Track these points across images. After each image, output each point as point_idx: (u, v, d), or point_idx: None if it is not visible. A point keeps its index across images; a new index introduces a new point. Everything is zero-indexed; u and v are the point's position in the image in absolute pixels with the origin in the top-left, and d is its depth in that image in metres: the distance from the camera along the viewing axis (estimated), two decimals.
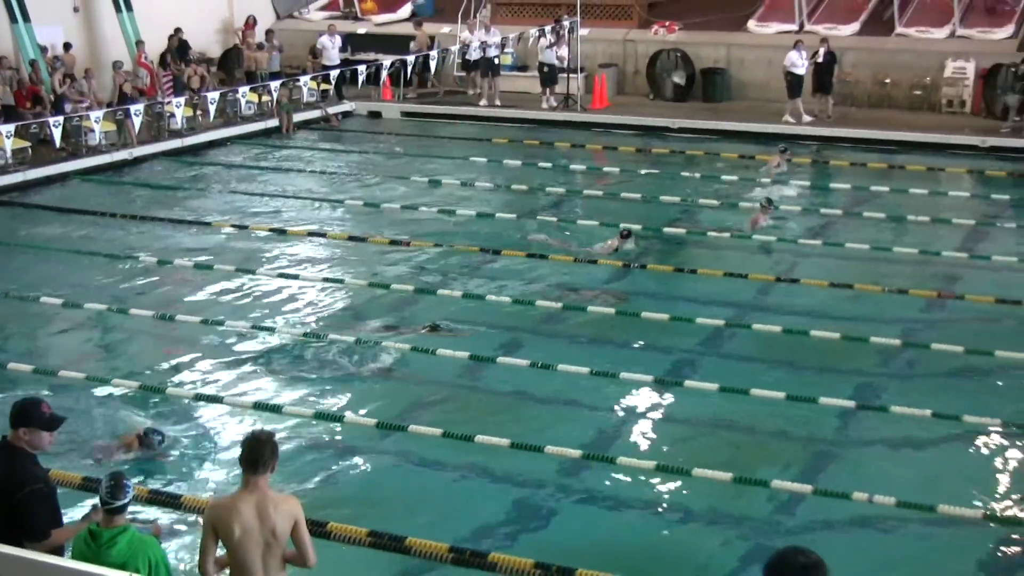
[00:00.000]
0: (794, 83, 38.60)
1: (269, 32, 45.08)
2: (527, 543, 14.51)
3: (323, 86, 41.69)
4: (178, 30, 40.99)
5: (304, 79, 40.95)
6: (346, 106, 42.46)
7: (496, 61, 42.55)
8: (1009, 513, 15.42)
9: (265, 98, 40.27)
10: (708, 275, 24.51)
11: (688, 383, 19.15)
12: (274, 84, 40.38)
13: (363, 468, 16.62)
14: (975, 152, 36.36)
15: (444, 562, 13.61)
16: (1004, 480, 16.49)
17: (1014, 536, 14.87)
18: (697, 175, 33.87)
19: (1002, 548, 14.77)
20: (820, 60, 39.12)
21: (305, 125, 40.79)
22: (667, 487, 16.05)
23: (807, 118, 38.46)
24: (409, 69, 41.87)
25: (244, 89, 39.42)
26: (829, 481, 16.02)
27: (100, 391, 18.72)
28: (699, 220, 28.96)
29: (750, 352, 20.84)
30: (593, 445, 17.05)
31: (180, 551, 13.21)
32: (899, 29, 41.48)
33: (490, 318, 22.27)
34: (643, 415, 18.36)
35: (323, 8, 48.16)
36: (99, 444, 16.54)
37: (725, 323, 21.84)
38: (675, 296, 23.79)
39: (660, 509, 15.63)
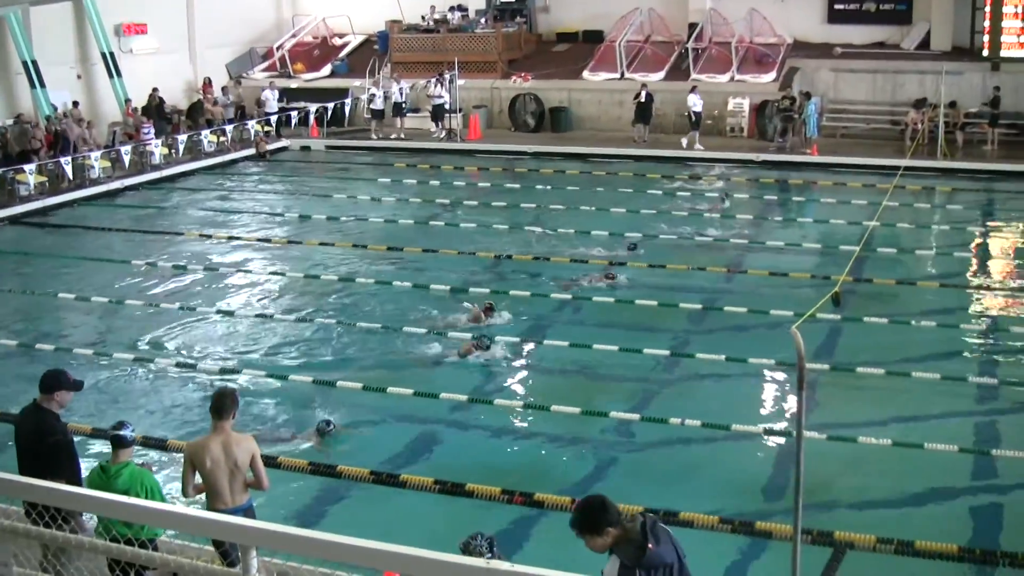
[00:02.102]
0: (694, 119, 38.51)
1: (224, 88, 45.02)
2: (429, 465, 14.58)
3: (266, 128, 41.42)
4: (155, 89, 40.64)
5: (251, 123, 40.93)
6: (283, 143, 42.13)
7: (403, 105, 42.60)
8: (780, 427, 15.74)
9: (222, 138, 39.96)
10: (558, 261, 24.68)
11: (546, 341, 19.27)
12: (229, 128, 40.39)
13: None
14: (751, 164, 36.85)
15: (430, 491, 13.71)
16: (777, 404, 16.81)
17: (783, 442, 15.18)
18: (549, 187, 33.95)
19: (774, 453, 15.10)
20: (643, 99, 39.44)
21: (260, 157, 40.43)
22: (532, 420, 16.18)
23: (699, 147, 38.40)
24: (329, 113, 41.88)
25: (206, 132, 39.37)
26: (653, 410, 16.22)
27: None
28: (554, 221, 28.99)
29: (592, 318, 20.96)
30: (476, 392, 17.16)
31: (167, 480, 13.12)
32: (694, 75, 41.77)
33: (399, 300, 22.27)
34: (511, 367, 18.39)
35: (264, 69, 47.79)
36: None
37: (572, 296, 21.99)
38: (536, 274, 23.90)
39: (528, 437, 15.73)
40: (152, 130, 37.90)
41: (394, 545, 6.99)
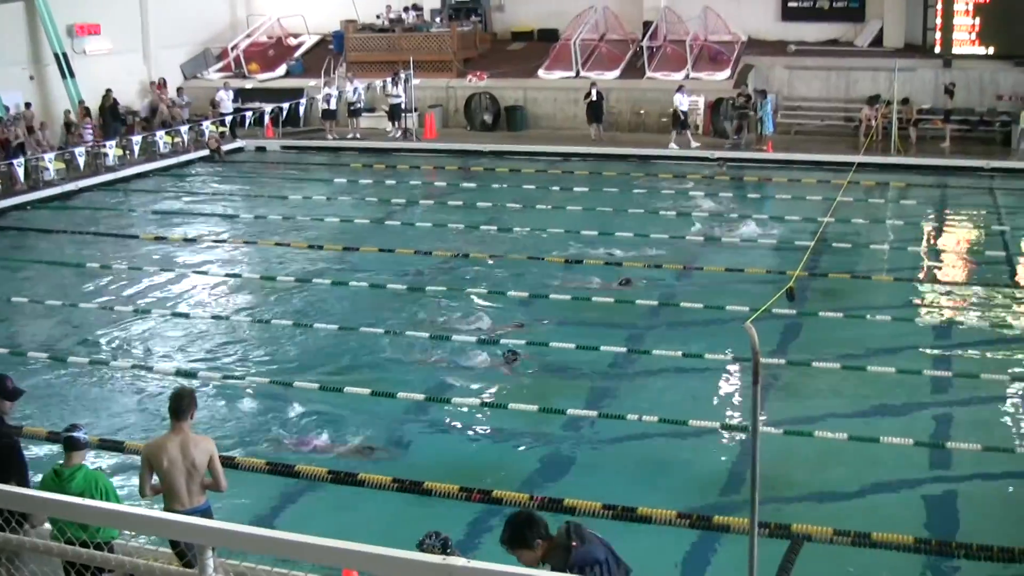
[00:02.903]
0: (678, 117, 38.18)
1: (179, 89, 44.78)
2: (389, 464, 14.56)
3: (220, 129, 41.17)
4: (109, 91, 40.40)
5: (205, 123, 40.66)
6: (239, 143, 41.91)
7: (359, 105, 42.47)
8: (737, 422, 15.81)
9: (177, 139, 39.74)
10: (515, 259, 24.70)
11: (503, 340, 19.27)
12: (184, 128, 40.15)
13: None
14: (706, 161, 36.94)
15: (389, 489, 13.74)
16: (734, 400, 16.88)
17: (740, 437, 15.26)
18: (505, 186, 33.98)
19: (731, 448, 15.16)
20: (593, 98, 39.50)
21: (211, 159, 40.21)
22: (490, 418, 16.19)
23: (673, 147, 38.28)
24: (285, 113, 41.69)
25: (160, 133, 39.15)
26: (610, 407, 16.28)
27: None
28: (511, 220, 29.02)
29: (549, 315, 20.96)
30: (434, 390, 17.15)
31: (124, 482, 13.06)
32: (649, 73, 41.93)
33: (355, 300, 22.25)
34: (469, 365, 18.31)
35: (220, 70, 47.59)
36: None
37: (529, 294, 22.01)
38: (491, 271, 23.91)
39: (486, 435, 15.73)
40: (92, 130, 37.68)
41: (349, 543, 6.98)
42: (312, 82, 44.55)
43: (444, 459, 14.84)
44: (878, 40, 42.92)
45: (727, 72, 41.32)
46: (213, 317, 21.22)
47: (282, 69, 47.58)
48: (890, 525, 12.40)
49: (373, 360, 18.72)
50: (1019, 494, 14.02)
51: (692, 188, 33.14)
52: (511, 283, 22.95)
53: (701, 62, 42.35)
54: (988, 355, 18.68)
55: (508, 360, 18.19)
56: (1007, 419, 16.07)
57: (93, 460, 13.11)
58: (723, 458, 14.88)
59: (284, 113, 41.68)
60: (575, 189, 33.18)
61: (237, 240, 27.55)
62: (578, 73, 42.81)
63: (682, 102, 38.07)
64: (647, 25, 43.80)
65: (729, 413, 16.36)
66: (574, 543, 8.04)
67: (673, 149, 38.03)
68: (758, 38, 44.06)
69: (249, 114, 41.58)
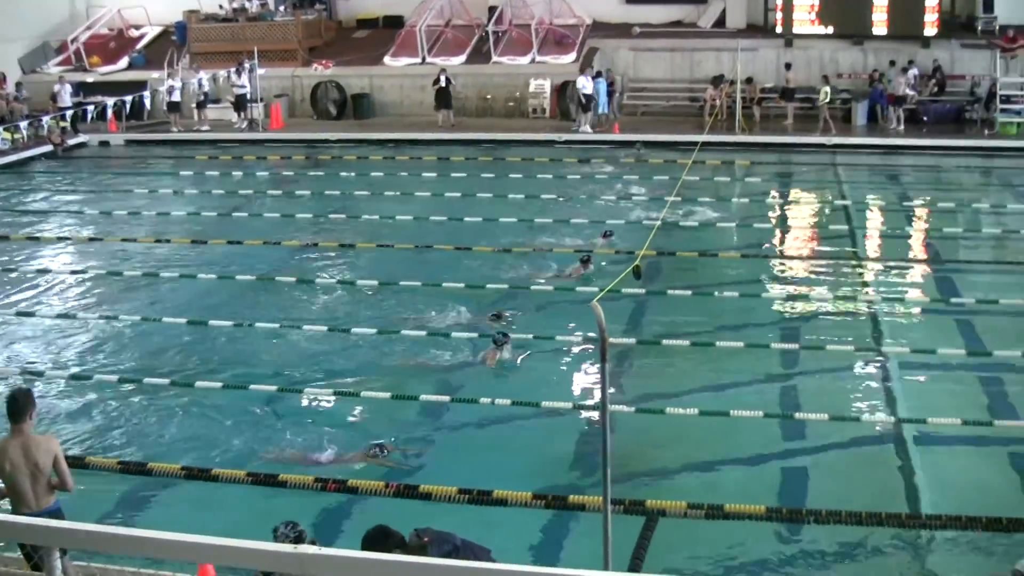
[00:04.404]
0: (585, 101, 38.09)
1: (19, 84, 43.51)
2: (242, 456, 14.41)
3: (61, 124, 40.18)
4: None
5: (45, 118, 39.55)
6: (81, 138, 40.96)
7: (204, 96, 41.78)
8: (589, 402, 15.99)
9: (16, 135, 38.74)
10: (364, 247, 24.56)
11: (355, 329, 19.14)
12: (23, 124, 39.18)
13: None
14: (554, 145, 37.12)
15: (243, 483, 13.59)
16: (585, 380, 16.99)
17: (592, 417, 15.38)
18: (353, 174, 33.78)
19: (584, 428, 15.27)
20: (442, 84, 39.44)
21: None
22: (343, 407, 16.08)
23: (587, 129, 38.19)
24: (128, 107, 40.86)
25: None
26: (463, 392, 16.29)
27: None
28: (359, 207, 28.84)
29: (399, 302, 20.86)
30: (285, 381, 16.97)
31: None
32: (495, 58, 42.07)
33: (205, 293, 21.95)
34: (319, 359, 18.15)
35: (60, 63, 46.45)
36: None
37: (378, 283, 21.88)
38: (340, 259, 23.78)
39: (339, 423, 15.58)
40: None
41: (201, 536, 6.87)
42: (155, 74, 43.77)
43: (297, 449, 14.67)
44: (721, 21, 43.61)
45: (573, 55, 41.58)
46: (59, 316, 20.70)
47: (124, 61, 46.60)
48: (743, 496, 12.64)
49: (226, 353, 18.50)
50: (865, 460, 14.36)
51: (540, 171, 33.26)
52: (361, 271, 22.83)
53: (547, 46, 42.59)
54: (833, 327, 19.09)
55: (498, 344, 17.52)
56: (853, 389, 16.46)
57: None
58: (577, 438, 14.97)
59: (127, 106, 40.91)
60: (424, 175, 33.15)
61: (82, 237, 26.96)
62: (424, 59, 42.74)
63: (585, 85, 38.01)
64: (492, 10, 43.92)
65: (581, 393, 16.50)
66: (426, 539, 8.59)
67: (586, 132, 38.10)
68: (603, 21, 44.37)
69: (91, 108, 40.56)
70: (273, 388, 16.56)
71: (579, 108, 38.36)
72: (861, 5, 39.72)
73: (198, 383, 16.78)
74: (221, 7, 46.88)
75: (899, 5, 39.31)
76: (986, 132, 36.46)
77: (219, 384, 16.69)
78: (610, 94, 39.24)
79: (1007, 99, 36.71)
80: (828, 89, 37.25)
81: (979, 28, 40.34)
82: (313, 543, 9.48)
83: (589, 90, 38.03)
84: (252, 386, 16.54)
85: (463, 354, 17.96)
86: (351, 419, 15.71)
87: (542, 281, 21.61)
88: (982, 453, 14.60)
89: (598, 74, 38.89)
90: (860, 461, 14.35)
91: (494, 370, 17.17)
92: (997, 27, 39.84)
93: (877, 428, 15.07)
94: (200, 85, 41.61)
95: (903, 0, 39.27)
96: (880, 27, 39.74)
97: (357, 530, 12.00)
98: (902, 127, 37.12)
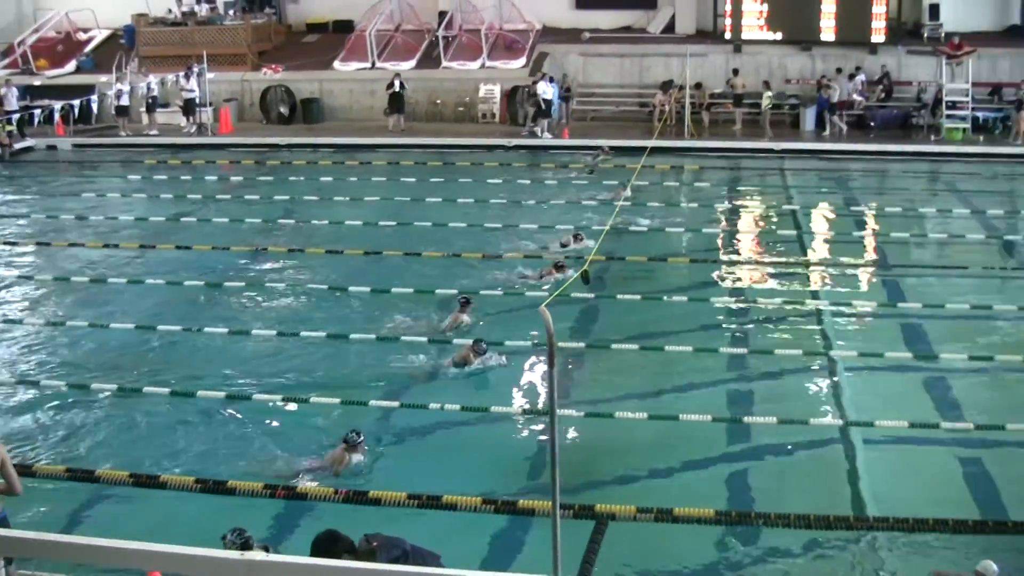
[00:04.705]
0: (546, 107, 38.01)
1: None
2: (190, 464, 14.30)
3: (8, 127, 39.78)
4: None
5: None
6: (28, 142, 40.59)
7: (152, 101, 41.39)
8: (538, 407, 15.95)
9: None
10: (313, 252, 24.49)
11: (303, 332, 19.08)
12: None
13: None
14: (503, 150, 37.15)
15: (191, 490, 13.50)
16: (534, 384, 16.97)
17: (541, 421, 15.37)
18: (302, 179, 33.69)
19: (534, 432, 15.28)
20: (396, 89, 39.42)
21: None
22: (293, 413, 15.99)
23: (547, 136, 38.11)
24: (76, 111, 40.51)
25: None
26: (412, 397, 16.23)
27: None
28: (308, 212, 28.78)
29: (350, 310, 20.81)
30: (231, 387, 16.88)
31: None
32: (445, 63, 42.08)
33: (153, 297, 21.78)
34: (269, 365, 18.07)
35: (6, 66, 46.04)
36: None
37: (328, 287, 21.81)
38: (289, 264, 23.63)
39: (290, 430, 15.50)
40: None
41: (149, 544, 6.85)
42: (104, 78, 43.41)
43: (247, 457, 14.60)
44: (670, 27, 43.81)
45: (523, 60, 41.63)
46: (5, 321, 20.51)
47: (72, 65, 46.26)
48: (692, 500, 12.68)
49: (174, 358, 18.40)
50: (814, 463, 14.46)
51: (491, 176, 33.26)
52: (311, 276, 22.78)
53: (497, 51, 42.63)
54: (782, 331, 19.22)
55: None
56: (801, 392, 16.59)
57: None
58: (526, 443, 15.01)
59: (75, 110, 40.51)
60: (373, 180, 33.12)
61: (29, 242, 26.71)
62: (374, 64, 42.70)
63: (546, 91, 37.99)
64: (442, 15, 43.93)
65: (531, 398, 16.49)
66: (375, 544, 8.82)
67: (547, 138, 38.03)
68: (553, 26, 44.48)
69: (38, 112, 40.05)
70: (221, 394, 16.46)
71: (537, 113, 38.30)
72: (809, 12, 40.02)
73: (146, 389, 16.66)
74: (170, 11, 46.61)
75: (847, 12, 39.63)
76: (932, 137, 36.85)
77: (167, 390, 16.58)
78: (566, 99, 39.32)
79: (953, 105, 37.06)
80: (770, 95, 37.62)
81: (925, 35, 40.78)
82: (266, 549, 9.46)
83: (551, 95, 38.09)
84: (201, 392, 16.45)
85: (413, 359, 17.93)
86: (300, 424, 15.65)
87: (497, 287, 21.64)
88: (929, 455, 14.75)
89: (551, 79, 38.94)
90: (809, 464, 14.46)
91: (439, 376, 17.22)
92: (943, 34, 40.28)
93: (825, 431, 15.17)
94: (149, 89, 41.25)
95: (851, 7, 39.61)
96: (828, 33, 40.04)
97: (303, 538, 12.05)
98: (829, 132, 37.83)
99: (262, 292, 21.76)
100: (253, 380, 17.18)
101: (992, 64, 38.87)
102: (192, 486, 13.37)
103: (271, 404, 16.23)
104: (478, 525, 12.46)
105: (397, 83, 39.54)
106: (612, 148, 34.48)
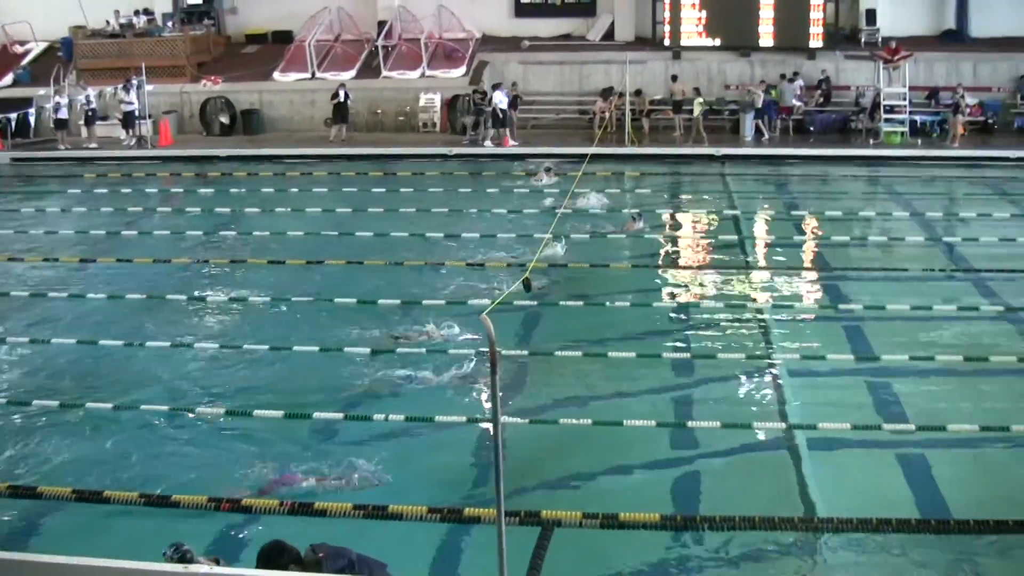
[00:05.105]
0: (497, 116, 38.05)
1: None
2: (132, 479, 14.17)
3: None
4: None
5: None
6: None
7: (91, 114, 41.16)
8: (482, 415, 15.85)
9: None
10: (255, 263, 24.37)
11: (246, 345, 18.97)
12: None
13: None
14: (444, 159, 37.16)
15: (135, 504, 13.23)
16: (478, 392, 16.86)
17: (486, 429, 15.20)
18: (243, 190, 33.53)
19: (478, 441, 15.22)
20: (341, 99, 39.41)
21: None
22: (237, 427, 15.88)
23: (489, 144, 38.25)
24: (13, 124, 40.16)
25: None
26: (356, 408, 16.18)
27: None
28: (250, 224, 28.64)
29: (293, 319, 20.71)
30: (177, 398, 16.75)
31: None
32: (385, 73, 42.15)
33: (95, 312, 21.58)
34: (211, 377, 17.90)
35: None
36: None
37: (314, 298, 21.67)
38: (231, 275, 23.48)
39: (233, 443, 15.37)
40: None
41: (89, 559, 6.79)
42: (41, 91, 43.12)
43: (190, 470, 14.49)
44: (610, 34, 44.11)
45: (463, 69, 41.78)
46: None
47: (9, 78, 45.97)
48: (638, 505, 12.65)
49: (116, 372, 18.20)
50: (758, 466, 14.51)
51: (432, 185, 33.25)
52: (253, 287, 22.65)
53: (437, 60, 42.77)
54: (725, 335, 19.31)
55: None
56: (744, 396, 16.63)
57: None
58: (471, 451, 14.96)
59: (12, 124, 40.28)
60: (314, 190, 33.03)
61: None
62: (314, 75, 42.73)
63: (501, 100, 38.03)
64: (382, 24, 43.99)
65: (474, 406, 16.44)
66: (321, 555, 8.74)
67: (488, 147, 38.16)
68: (492, 34, 44.68)
69: None
70: (165, 407, 16.33)
71: (495, 123, 38.36)
72: (748, 18, 40.41)
73: (88, 404, 16.49)
74: (108, 23, 46.43)
75: (785, 18, 40.05)
76: (871, 141, 37.26)
77: (110, 405, 16.42)
78: (512, 107, 39.47)
79: (890, 109, 37.51)
80: (701, 101, 37.90)
81: (863, 40, 41.34)
82: (216, 562, 9.41)
83: (505, 105, 38.12)
84: (144, 406, 16.31)
85: (357, 370, 17.87)
86: (244, 437, 15.54)
87: (439, 295, 21.62)
88: (872, 456, 14.85)
89: (497, 87, 39.02)
90: (753, 467, 14.50)
91: (385, 386, 17.14)
92: (880, 39, 40.83)
93: (769, 434, 15.24)
94: (87, 102, 41.05)
95: (789, 13, 40.04)
96: (767, 39, 40.46)
97: (252, 550, 11.97)
98: (753, 136, 38.38)
99: (204, 304, 21.62)
100: (196, 392, 17.05)
101: (929, 68, 39.41)
102: (136, 500, 13.25)
103: (214, 417, 16.12)
104: (424, 534, 12.43)
105: (342, 93, 39.57)
106: (552, 168, 34.56)
